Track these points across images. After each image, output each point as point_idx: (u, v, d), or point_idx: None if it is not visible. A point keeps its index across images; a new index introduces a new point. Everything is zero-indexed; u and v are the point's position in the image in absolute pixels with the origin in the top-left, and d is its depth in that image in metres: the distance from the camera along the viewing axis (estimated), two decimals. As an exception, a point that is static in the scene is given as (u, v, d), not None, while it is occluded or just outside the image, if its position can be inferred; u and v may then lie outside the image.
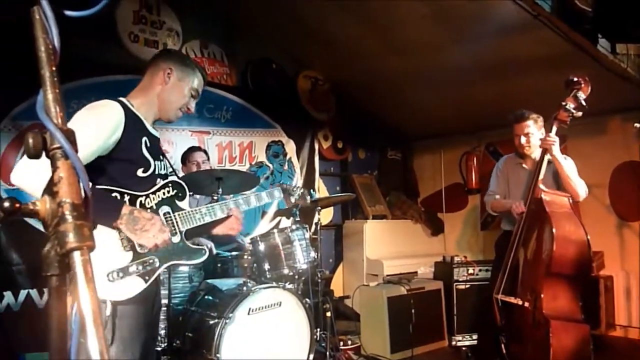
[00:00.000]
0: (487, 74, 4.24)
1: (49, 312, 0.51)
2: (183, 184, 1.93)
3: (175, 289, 3.16)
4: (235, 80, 4.73)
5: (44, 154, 0.53)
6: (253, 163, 4.71)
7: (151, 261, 1.69)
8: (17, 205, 0.53)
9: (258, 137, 4.77)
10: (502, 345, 3.07)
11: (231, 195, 2.91)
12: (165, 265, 1.77)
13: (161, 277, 3.07)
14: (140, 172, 1.75)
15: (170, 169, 2.04)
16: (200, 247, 1.91)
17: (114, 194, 1.67)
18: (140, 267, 1.66)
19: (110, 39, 3.86)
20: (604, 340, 4.13)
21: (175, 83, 1.91)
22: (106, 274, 1.58)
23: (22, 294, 3.29)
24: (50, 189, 0.53)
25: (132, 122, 1.73)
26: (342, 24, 4.21)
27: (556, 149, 3.07)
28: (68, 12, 0.62)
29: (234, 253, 3.50)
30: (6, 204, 0.52)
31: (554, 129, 3.04)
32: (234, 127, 4.61)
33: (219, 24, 4.63)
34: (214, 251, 3.52)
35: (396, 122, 5.83)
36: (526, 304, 2.91)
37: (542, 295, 2.82)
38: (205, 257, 1.89)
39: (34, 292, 3.31)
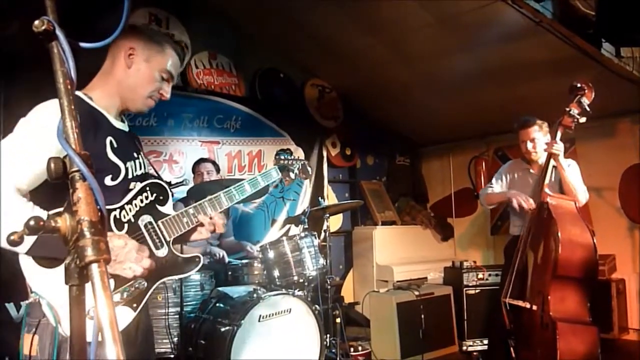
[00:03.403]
0: (493, 80, 4.26)
1: (70, 319, 0.57)
2: (163, 184, 1.62)
3: (187, 297, 3.22)
4: (244, 91, 4.80)
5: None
6: (262, 172, 4.76)
7: (137, 285, 1.42)
8: (41, 222, 0.59)
9: (267, 145, 4.84)
10: (512, 349, 3.08)
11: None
12: (155, 285, 1.52)
13: (173, 286, 3.17)
14: (108, 181, 1.46)
15: (149, 166, 1.74)
16: (193, 255, 1.64)
17: None
18: (126, 294, 1.41)
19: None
20: (617, 343, 4.11)
21: (140, 65, 1.56)
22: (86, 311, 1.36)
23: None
24: (70, 208, 0.59)
25: (91, 123, 1.43)
26: (348, 32, 4.27)
27: (561, 156, 3.09)
28: (83, 45, 0.67)
29: (244, 261, 3.56)
30: (31, 222, 0.58)
31: (559, 134, 3.06)
32: (243, 136, 4.68)
33: (227, 35, 4.71)
34: (226, 259, 3.58)
35: (404, 128, 5.87)
36: (534, 307, 2.93)
37: (549, 298, 2.84)
38: (200, 266, 1.64)
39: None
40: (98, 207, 0.60)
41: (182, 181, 3.41)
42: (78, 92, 1.49)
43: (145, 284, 1.46)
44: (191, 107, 4.32)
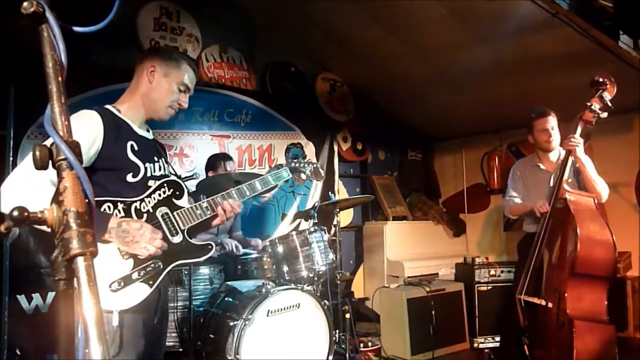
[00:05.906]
0: (507, 74, 4.18)
1: (57, 314, 0.54)
2: (180, 182, 1.85)
3: (196, 291, 3.21)
4: (255, 84, 4.77)
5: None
6: (272, 166, 4.73)
7: (153, 265, 1.66)
8: (26, 213, 0.56)
9: (277, 139, 4.81)
10: (526, 347, 3.03)
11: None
12: (171, 267, 1.73)
13: (183, 279, 3.16)
14: (129, 178, 1.70)
15: (171, 169, 1.98)
16: (205, 243, 1.85)
17: (106, 204, 1.63)
18: (143, 273, 1.63)
19: (131, 46, 3.95)
20: (633, 342, 4.02)
21: (161, 80, 1.81)
22: (108, 284, 1.55)
23: (50, 295, 3.38)
24: (57, 198, 0.56)
25: (115, 129, 1.68)
26: (361, 26, 4.21)
27: (580, 150, 3.02)
28: (76, 28, 0.65)
29: (253, 255, 3.54)
30: (15, 213, 0.55)
31: (579, 129, 2.98)
32: (253, 130, 4.66)
33: (238, 28, 4.68)
34: (241, 251, 3.56)
35: (416, 122, 5.81)
36: (550, 305, 2.87)
37: (566, 296, 2.78)
38: (212, 252, 1.84)
39: (61, 294, 3.40)
40: (86, 197, 0.57)
41: (192, 175, 3.40)
42: (108, 106, 1.75)
43: (161, 265, 1.68)
44: (202, 100, 4.31)
